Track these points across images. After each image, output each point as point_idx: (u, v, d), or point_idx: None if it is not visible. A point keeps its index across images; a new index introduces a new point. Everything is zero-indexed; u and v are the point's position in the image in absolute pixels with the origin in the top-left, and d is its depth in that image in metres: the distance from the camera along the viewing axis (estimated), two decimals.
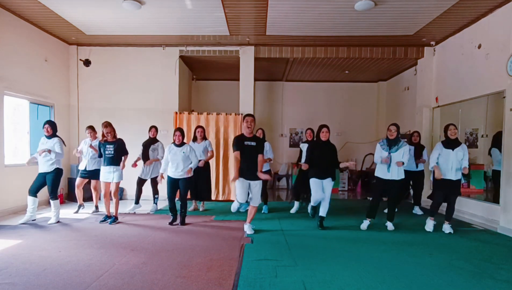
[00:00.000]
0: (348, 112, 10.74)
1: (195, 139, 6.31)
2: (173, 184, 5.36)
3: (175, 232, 5.00)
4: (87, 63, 7.93)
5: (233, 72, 8.51)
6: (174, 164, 5.31)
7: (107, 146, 5.37)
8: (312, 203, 5.41)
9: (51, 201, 5.38)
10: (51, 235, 4.76)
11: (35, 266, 3.52)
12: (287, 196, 9.10)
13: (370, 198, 8.34)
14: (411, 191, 6.92)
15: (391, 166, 5.06)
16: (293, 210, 6.54)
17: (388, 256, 4.01)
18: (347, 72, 9.50)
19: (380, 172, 5.21)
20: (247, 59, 7.86)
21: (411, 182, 6.56)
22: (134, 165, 6.38)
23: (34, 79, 6.79)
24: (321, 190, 5.19)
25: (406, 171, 6.29)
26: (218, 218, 5.95)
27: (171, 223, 5.41)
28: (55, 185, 5.37)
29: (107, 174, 5.38)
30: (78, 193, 6.27)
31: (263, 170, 5.09)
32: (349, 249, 4.24)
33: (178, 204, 5.55)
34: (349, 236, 4.89)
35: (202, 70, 9.56)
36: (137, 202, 6.40)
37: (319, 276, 3.35)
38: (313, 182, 5.23)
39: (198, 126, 6.38)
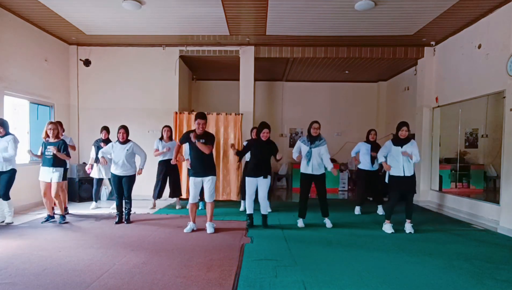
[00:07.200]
0: (348, 112, 10.75)
1: (162, 138, 6.64)
2: (117, 181, 5.42)
3: (175, 232, 4.99)
4: (87, 63, 7.93)
5: (233, 72, 8.50)
6: (117, 161, 5.33)
7: (48, 146, 5.28)
8: (247, 209, 5.35)
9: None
10: (51, 235, 4.76)
11: (35, 266, 3.52)
12: (287, 196, 9.11)
13: (371, 198, 8.35)
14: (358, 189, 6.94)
15: (311, 160, 5.18)
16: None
17: (388, 256, 4.01)
18: (347, 72, 9.49)
19: (303, 167, 5.28)
20: (247, 59, 7.86)
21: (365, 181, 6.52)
22: (89, 168, 6.48)
23: (34, 79, 6.79)
24: (254, 190, 5.22)
25: (361, 170, 6.46)
26: (218, 218, 5.94)
27: (118, 223, 5.42)
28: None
29: (46, 174, 5.33)
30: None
31: None
32: (349, 249, 4.24)
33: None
34: (349, 236, 4.89)
35: (202, 70, 9.56)
36: (96, 199, 6.76)
37: (319, 276, 3.35)
38: (247, 182, 5.23)
39: (165, 126, 6.66)
